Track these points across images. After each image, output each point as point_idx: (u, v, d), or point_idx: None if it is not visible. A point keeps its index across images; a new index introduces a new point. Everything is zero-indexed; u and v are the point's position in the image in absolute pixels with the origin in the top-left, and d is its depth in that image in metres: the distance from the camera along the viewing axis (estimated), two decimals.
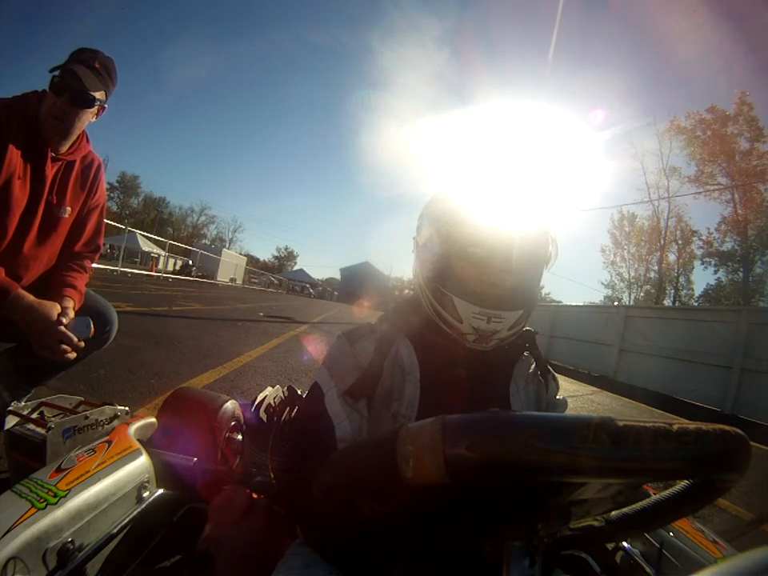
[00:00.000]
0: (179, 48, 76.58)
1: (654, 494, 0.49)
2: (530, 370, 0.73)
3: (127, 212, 47.96)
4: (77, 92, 1.10)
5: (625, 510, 0.49)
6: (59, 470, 0.68)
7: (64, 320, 1.09)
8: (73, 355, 1.12)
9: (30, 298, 1.08)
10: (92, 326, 1.15)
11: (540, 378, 0.74)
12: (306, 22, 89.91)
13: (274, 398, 1.04)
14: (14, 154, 1.08)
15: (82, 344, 1.13)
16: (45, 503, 0.60)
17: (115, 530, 0.67)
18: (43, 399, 1.16)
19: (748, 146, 20.69)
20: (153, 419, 1.02)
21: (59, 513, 0.60)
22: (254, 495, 0.80)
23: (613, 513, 0.49)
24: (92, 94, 1.13)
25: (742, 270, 22.00)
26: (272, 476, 0.86)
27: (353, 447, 0.49)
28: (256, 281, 37.51)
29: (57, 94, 1.10)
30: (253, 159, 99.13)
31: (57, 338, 1.07)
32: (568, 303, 14.83)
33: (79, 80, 1.09)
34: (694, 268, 25.00)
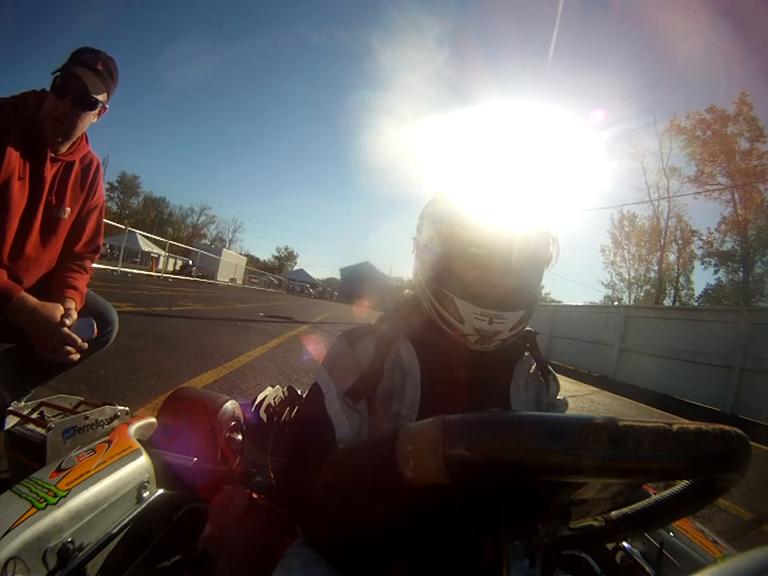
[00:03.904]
0: (179, 48, 76.44)
1: (654, 493, 0.49)
2: (531, 371, 0.73)
3: (127, 212, 47.88)
4: (79, 95, 1.10)
5: (625, 509, 0.49)
6: (59, 470, 0.68)
7: (67, 321, 1.09)
8: (77, 356, 1.12)
9: (33, 300, 1.08)
10: (95, 326, 1.15)
11: (541, 378, 0.74)
12: (306, 22, 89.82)
13: (274, 398, 1.04)
14: (14, 155, 1.07)
15: (86, 345, 1.12)
16: (45, 503, 0.60)
17: (115, 530, 0.67)
18: (43, 399, 1.16)
19: (748, 146, 20.69)
20: (153, 419, 1.02)
21: (59, 513, 0.60)
22: (254, 495, 0.80)
23: (613, 513, 0.49)
24: (95, 96, 1.12)
25: (742, 270, 21.99)
26: (272, 476, 0.86)
27: (353, 447, 0.49)
28: (256, 281, 37.47)
29: (59, 95, 1.09)
30: (253, 159, 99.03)
31: (60, 339, 1.07)
32: (568, 303, 14.80)
33: (82, 83, 1.08)
34: (693, 268, 25.04)
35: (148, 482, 0.77)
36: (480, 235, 0.60)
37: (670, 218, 24.64)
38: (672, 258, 25.37)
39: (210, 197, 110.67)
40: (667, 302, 24.87)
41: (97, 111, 1.18)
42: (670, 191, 23.77)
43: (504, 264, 0.60)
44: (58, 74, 1.09)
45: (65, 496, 0.62)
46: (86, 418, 1.09)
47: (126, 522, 0.69)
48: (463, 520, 0.43)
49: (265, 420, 0.96)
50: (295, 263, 69.20)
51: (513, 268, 0.60)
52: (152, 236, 21.21)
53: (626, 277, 27.34)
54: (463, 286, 0.61)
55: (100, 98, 1.14)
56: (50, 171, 1.17)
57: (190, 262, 24.70)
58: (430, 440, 0.31)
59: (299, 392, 1.07)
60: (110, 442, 0.80)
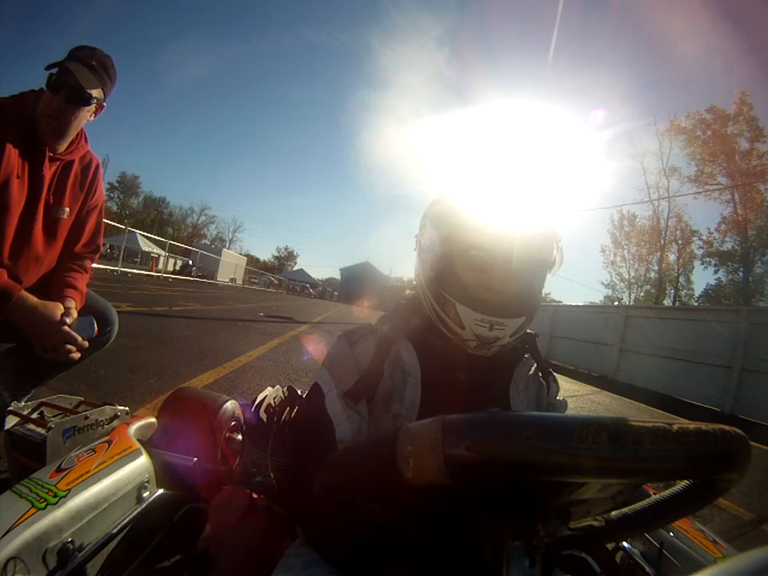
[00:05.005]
0: (179, 48, 76.48)
1: (654, 493, 0.49)
2: (531, 372, 0.73)
3: (127, 212, 47.89)
4: (73, 90, 1.09)
5: (625, 509, 0.49)
6: (59, 470, 0.68)
7: (68, 320, 1.09)
8: (77, 355, 1.12)
9: (33, 299, 1.08)
10: (95, 325, 1.15)
11: (541, 379, 0.74)
12: (306, 22, 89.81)
13: (274, 398, 1.04)
14: (12, 153, 1.07)
15: (86, 344, 1.12)
16: (45, 503, 0.60)
17: (115, 530, 0.67)
18: (43, 399, 1.16)
19: (748, 146, 20.68)
20: (153, 419, 1.01)
21: (59, 513, 0.60)
22: (254, 495, 0.80)
23: (613, 513, 0.49)
24: (88, 92, 1.12)
25: (742, 270, 21.99)
26: (272, 476, 0.86)
27: (353, 447, 0.49)
28: (256, 281, 37.48)
29: (53, 91, 1.09)
30: (253, 159, 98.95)
31: (61, 338, 1.07)
32: (568, 303, 14.80)
33: (75, 78, 1.08)
34: (693, 268, 25.04)
35: (148, 481, 0.77)
36: (481, 237, 0.60)
37: (670, 218, 24.67)
38: (672, 258, 25.40)
39: (210, 197, 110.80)
40: (667, 302, 24.87)
41: (92, 108, 1.18)
42: (670, 191, 23.79)
43: (505, 267, 0.59)
44: (53, 70, 1.09)
45: (65, 496, 0.62)
46: (86, 417, 1.09)
47: (126, 521, 0.69)
48: (463, 520, 0.43)
49: (265, 420, 0.96)
50: (295, 263, 69.28)
51: (514, 271, 0.59)
52: (152, 236, 21.22)
53: (626, 277, 27.37)
54: (464, 289, 0.61)
55: (94, 93, 1.14)
56: (48, 170, 1.17)
57: (190, 262, 24.71)
58: (430, 440, 0.31)
59: (299, 392, 1.07)
60: (110, 442, 0.79)
